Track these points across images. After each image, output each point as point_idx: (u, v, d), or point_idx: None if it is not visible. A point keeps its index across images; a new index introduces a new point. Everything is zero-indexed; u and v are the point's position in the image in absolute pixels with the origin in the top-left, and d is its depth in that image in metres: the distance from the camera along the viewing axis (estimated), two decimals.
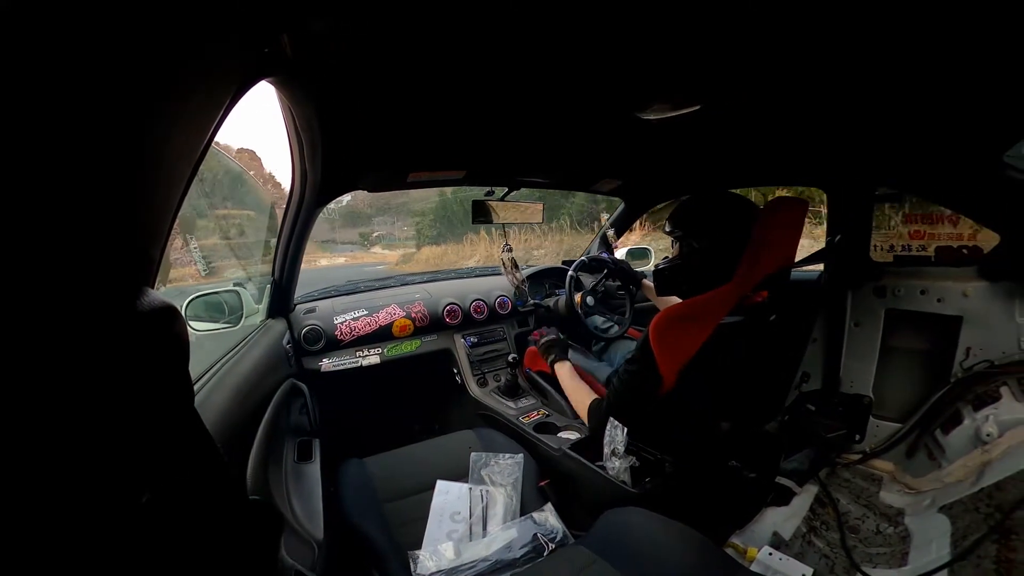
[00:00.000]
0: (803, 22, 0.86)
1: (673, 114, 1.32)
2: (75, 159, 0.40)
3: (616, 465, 1.56)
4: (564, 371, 1.96)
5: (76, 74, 0.37)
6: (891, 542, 1.45)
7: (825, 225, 2.07)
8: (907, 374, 1.83)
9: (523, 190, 2.32)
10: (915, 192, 1.84)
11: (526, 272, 2.80)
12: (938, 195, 1.71)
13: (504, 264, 2.34)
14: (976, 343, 1.64)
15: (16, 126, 0.33)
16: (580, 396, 1.83)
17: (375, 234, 21.83)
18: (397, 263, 16.47)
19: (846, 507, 1.63)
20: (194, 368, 1.15)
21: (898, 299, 1.84)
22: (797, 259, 1.62)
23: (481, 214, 2.22)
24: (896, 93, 1.16)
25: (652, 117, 1.36)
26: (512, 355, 2.31)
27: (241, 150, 19.54)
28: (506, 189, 2.27)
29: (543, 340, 2.12)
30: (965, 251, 1.77)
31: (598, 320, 2.42)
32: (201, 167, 0.74)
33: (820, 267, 2.13)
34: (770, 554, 1.46)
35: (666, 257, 1.66)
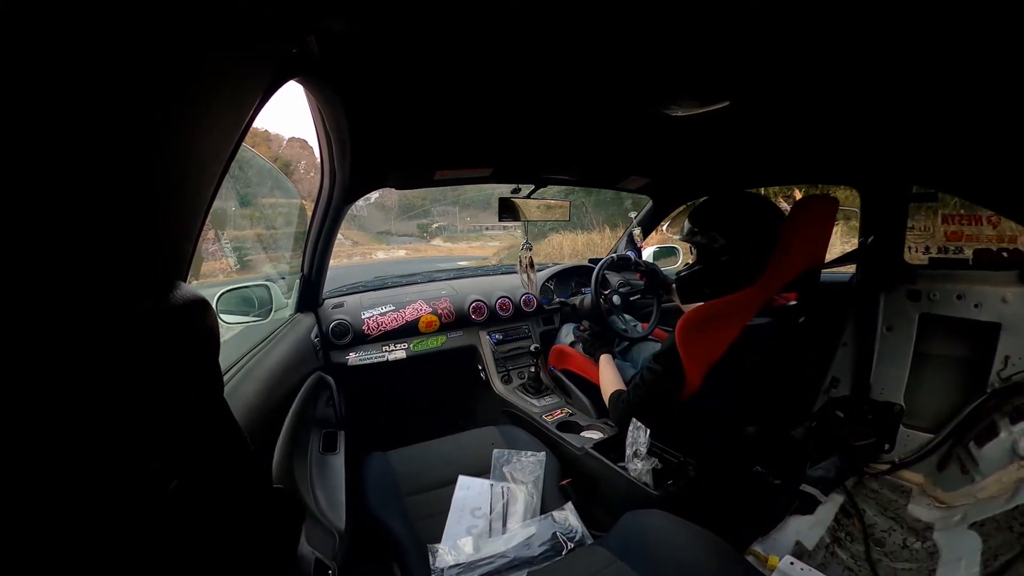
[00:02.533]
0: (834, 14, 0.84)
1: (701, 110, 1.31)
2: (109, 159, 0.41)
3: (638, 466, 1.56)
4: (605, 361, 1.98)
5: (109, 77, 0.38)
6: (918, 558, 1.41)
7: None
8: (941, 382, 1.77)
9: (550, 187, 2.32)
10: (952, 191, 1.77)
11: (551, 270, 2.80)
12: (977, 194, 1.65)
13: (521, 262, 2.34)
14: (1015, 352, 1.57)
15: (48, 128, 0.34)
16: (610, 385, 1.85)
17: (435, 225, 20.64)
18: (498, 258, 12.48)
19: (872, 519, 1.59)
20: (224, 359, 1.18)
21: (933, 303, 1.78)
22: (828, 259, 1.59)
23: (507, 212, 2.22)
24: (934, 86, 1.12)
25: (680, 114, 1.34)
26: (535, 344, 2.33)
27: (292, 139, 19.79)
28: (532, 187, 2.27)
29: (587, 333, 2.15)
30: (1005, 254, 1.70)
31: (623, 320, 2.41)
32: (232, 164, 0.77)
33: (852, 269, 2.08)
34: (792, 563, 1.44)
35: (687, 264, 1.64)
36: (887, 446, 1.83)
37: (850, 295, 2.01)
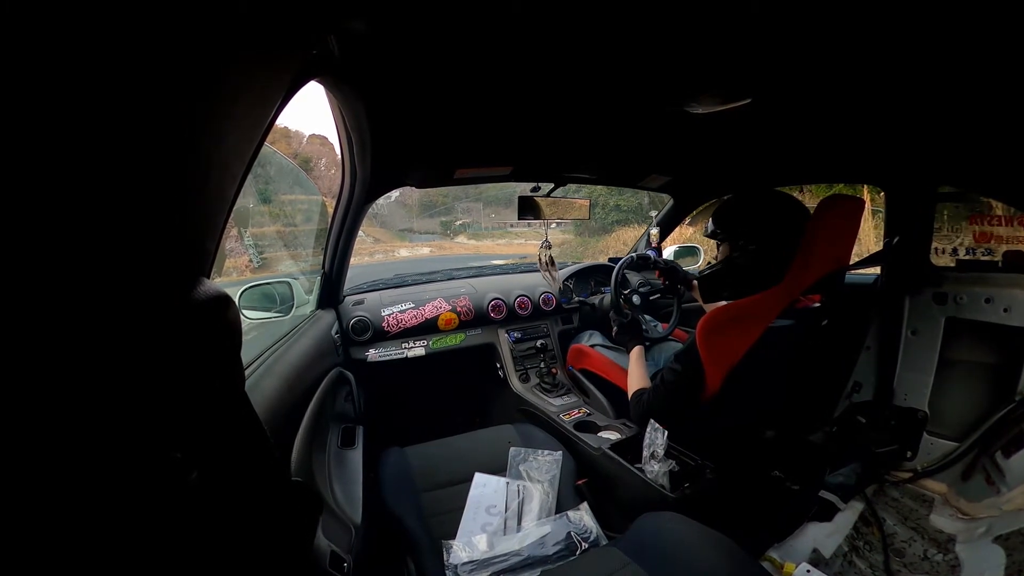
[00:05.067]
0: (859, 7, 0.82)
1: (723, 107, 1.28)
2: (136, 159, 0.42)
3: (655, 468, 1.55)
4: (636, 355, 1.95)
5: (135, 81, 0.40)
6: (939, 570, 1.38)
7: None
8: (967, 389, 1.72)
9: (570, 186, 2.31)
10: (982, 191, 1.72)
11: (571, 269, 2.79)
12: (1007, 195, 1.60)
13: (540, 260, 2.35)
14: None
15: (76, 128, 0.36)
16: (636, 381, 1.83)
17: (458, 222, 20.59)
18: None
19: (892, 528, 1.56)
20: (246, 354, 1.20)
21: (960, 307, 1.73)
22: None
23: (527, 210, 2.22)
24: (962, 81, 1.08)
25: (701, 111, 1.33)
26: (541, 341, 2.39)
27: (313, 136, 19.89)
28: (552, 185, 2.26)
29: (617, 327, 2.12)
30: None
31: (643, 320, 2.39)
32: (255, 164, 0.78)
33: (877, 270, 2.04)
34: (808, 571, 1.42)
35: (710, 263, 1.62)
36: (909, 454, 1.79)
37: (874, 297, 1.97)
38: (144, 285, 0.46)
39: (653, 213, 2.91)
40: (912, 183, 1.79)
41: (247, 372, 1.21)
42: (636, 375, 1.86)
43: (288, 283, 1.78)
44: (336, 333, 2.02)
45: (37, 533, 0.37)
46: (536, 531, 1.44)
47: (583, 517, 1.50)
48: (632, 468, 1.62)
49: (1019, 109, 1.17)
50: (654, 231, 2.76)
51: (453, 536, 1.43)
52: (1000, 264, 1.71)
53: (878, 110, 1.32)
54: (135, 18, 0.37)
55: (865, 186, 3.97)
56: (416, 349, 2.28)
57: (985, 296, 1.66)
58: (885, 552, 1.48)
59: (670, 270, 2.26)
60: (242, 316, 1.45)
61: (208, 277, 0.64)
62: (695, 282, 2.19)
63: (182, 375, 0.49)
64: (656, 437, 1.56)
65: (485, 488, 1.59)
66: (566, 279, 2.73)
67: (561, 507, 1.55)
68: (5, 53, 0.29)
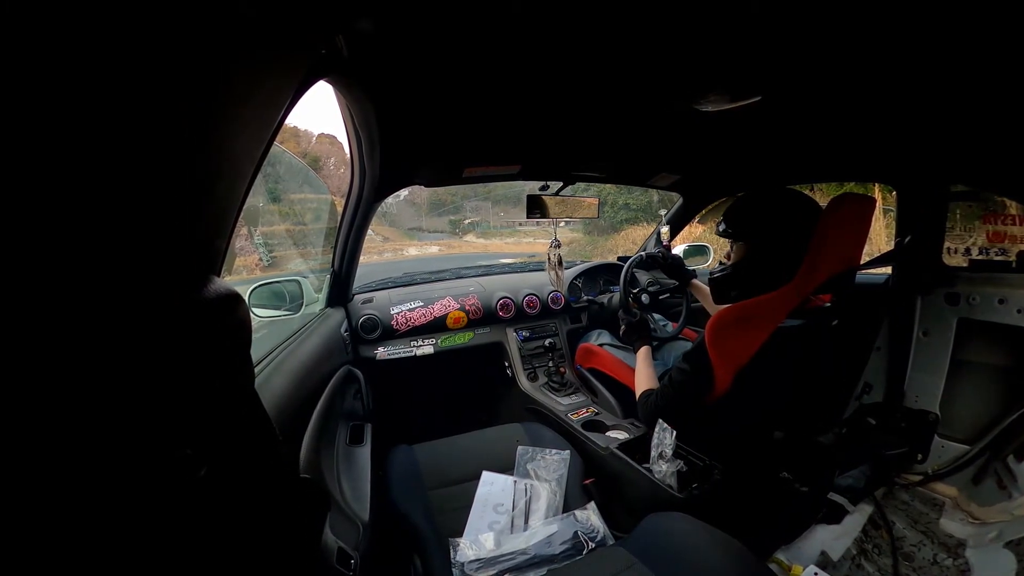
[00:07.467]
0: (869, 3, 0.82)
1: (732, 106, 1.28)
2: (148, 160, 0.43)
3: (663, 468, 1.55)
4: (643, 354, 1.93)
5: (146, 82, 0.40)
6: (948, 575, 1.37)
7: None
8: (979, 391, 1.70)
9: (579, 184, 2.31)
10: (995, 190, 1.70)
11: (580, 268, 2.79)
12: (1022, 193, 1.58)
13: (549, 259, 2.35)
14: None
15: (87, 129, 0.36)
16: (644, 381, 1.82)
17: (467, 221, 20.49)
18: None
19: (902, 532, 1.55)
20: (255, 352, 1.22)
21: (972, 308, 1.71)
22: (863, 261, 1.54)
23: (535, 209, 2.22)
24: (975, 77, 1.07)
25: (711, 109, 1.32)
26: (549, 340, 2.40)
27: (322, 135, 19.91)
28: (561, 184, 2.26)
29: (624, 327, 2.10)
30: None
31: (652, 319, 2.39)
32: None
33: (888, 270, 2.02)
34: (815, 574, 1.41)
35: (721, 263, 1.62)
36: (920, 456, 1.77)
37: (885, 297, 1.95)
38: (155, 283, 0.46)
39: (662, 212, 2.90)
40: (924, 182, 1.77)
41: (256, 370, 1.22)
42: (644, 375, 1.86)
43: (298, 281, 1.79)
44: (345, 331, 2.03)
45: (48, 528, 0.38)
46: (543, 530, 1.44)
47: (590, 516, 1.50)
48: (640, 468, 1.62)
49: None
50: (664, 229, 2.75)
51: (460, 534, 1.44)
52: (1014, 264, 1.69)
53: (890, 108, 1.30)
54: (145, 20, 0.37)
55: (876, 184, 3.93)
56: (425, 347, 2.29)
57: (998, 297, 1.64)
58: (894, 556, 1.47)
59: (671, 265, 2.23)
60: (252, 314, 1.47)
61: (218, 275, 0.65)
62: (695, 281, 2.18)
63: (192, 372, 0.50)
64: (664, 437, 1.56)
65: (493, 486, 1.60)
66: (575, 278, 2.73)
67: (568, 506, 1.55)
68: (19, 56, 0.29)
